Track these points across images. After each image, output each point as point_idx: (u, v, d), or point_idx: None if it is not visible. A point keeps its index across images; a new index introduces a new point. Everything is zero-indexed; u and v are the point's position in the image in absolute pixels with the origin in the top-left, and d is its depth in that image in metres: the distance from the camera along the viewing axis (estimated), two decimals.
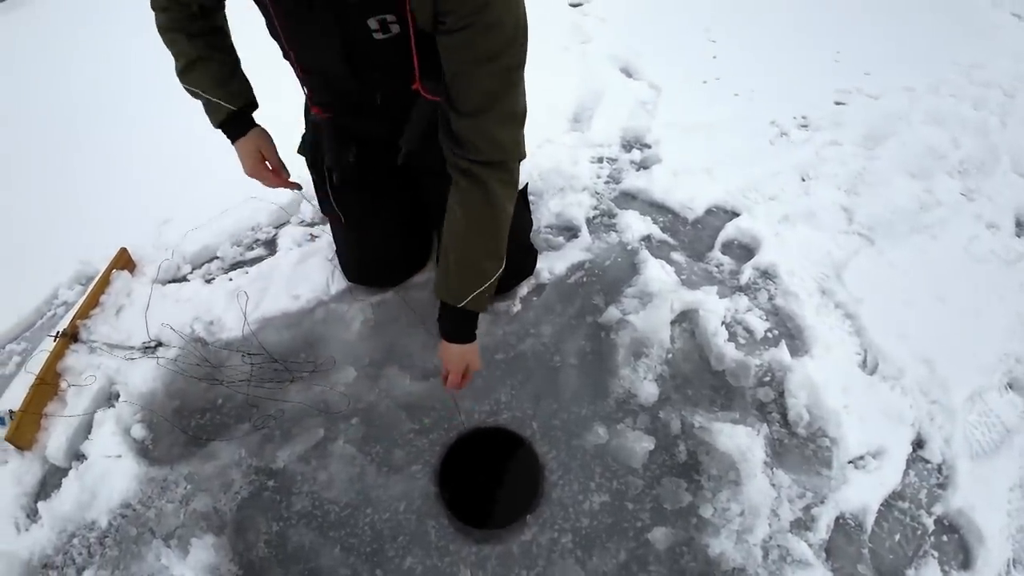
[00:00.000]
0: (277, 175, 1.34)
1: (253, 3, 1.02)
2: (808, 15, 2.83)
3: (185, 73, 1.22)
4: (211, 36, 1.22)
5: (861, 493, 1.28)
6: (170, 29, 1.18)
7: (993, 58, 2.56)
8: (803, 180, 1.95)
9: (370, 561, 1.23)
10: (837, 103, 2.26)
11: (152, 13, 1.18)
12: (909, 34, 2.72)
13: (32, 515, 1.31)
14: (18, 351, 1.59)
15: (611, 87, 2.28)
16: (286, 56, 1.13)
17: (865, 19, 2.81)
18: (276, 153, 1.34)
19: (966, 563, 1.25)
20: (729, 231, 1.79)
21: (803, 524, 1.24)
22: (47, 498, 1.31)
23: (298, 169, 1.42)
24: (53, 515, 1.27)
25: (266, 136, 1.32)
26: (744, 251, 1.76)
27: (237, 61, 1.28)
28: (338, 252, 1.60)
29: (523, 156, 1.08)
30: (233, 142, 1.30)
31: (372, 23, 0.95)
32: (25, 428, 1.37)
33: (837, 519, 1.26)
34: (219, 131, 1.29)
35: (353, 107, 1.22)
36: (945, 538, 1.28)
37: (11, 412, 1.38)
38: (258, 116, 1.32)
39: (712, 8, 2.80)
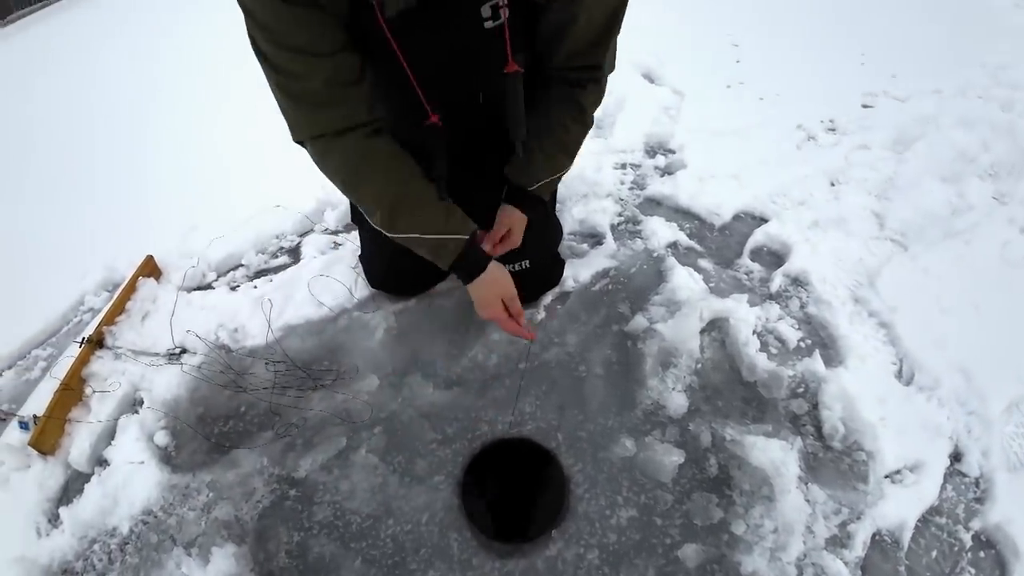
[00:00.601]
0: (520, 317, 1.21)
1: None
2: (831, 18, 2.78)
3: (393, 222, 1.08)
4: (394, 153, 1.06)
5: (898, 508, 1.22)
6: (356, 166, 1.03)
7: (1019, 60, 2.49)
8: (832, 185, 1.90)
9: (391, 574, 1.20)
10: (864, 106, 2.21)
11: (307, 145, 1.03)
12: (933, 36, 2.66)
13: (54, 520, 1.31)
14: (44, 356, 1.61)
15: (633, 93, 2.26)
16: (394, 102, 1.05)
17: (888, 21, 2.76)
18: (513, 287, 1.19)
19: None
20: (758, 237, 1.74)
21: (838, 541, 1.19)
22: (69, 503, 1.31)
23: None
24: (75, 520, 1.27)
25: (504, 273, 1.18)
26: (774, 258, 1.71)
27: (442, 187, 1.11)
28: (365, 259, 1.58)
29: (613, 69, 1.17)
30: (472, 280, 1.14)
31: (486, 10, 0.95)
32: (49, 433, 1.38)
33: (874, 536, 1.20)
34: (455, 272, 1.15)
35: (457, 109, 1.13)
36: (982, 554, 1.22)
37: (35, 417, 1.39)
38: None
39: (734, 13, 2.76)
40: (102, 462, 1.37)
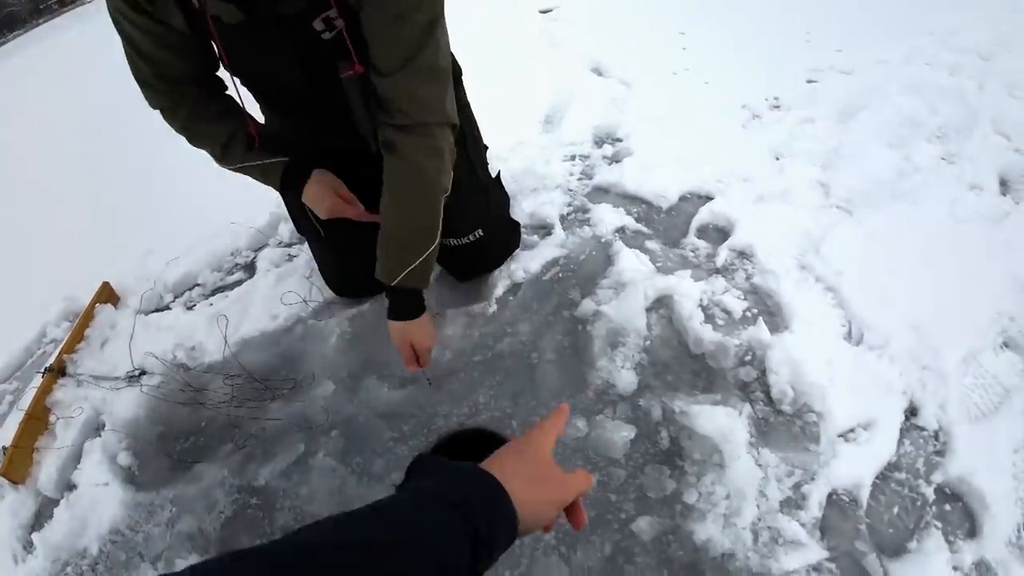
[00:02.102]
0: (355, 204, 1.27)
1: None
2: (776, 3, 2.83)
3: (225, 156, 1.19)
4: (228, 109, 1.19)
5: (853, 467, 1.22)
6: (192, 121, 1.16)
7: (969, 24, 2.53)
8: (776, 159, 1.92)
9: None
10: (809, 81, 2.24)
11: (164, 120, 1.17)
12: (882, 9, 2.70)
13: (28, 547, 1.33)
14: (10, 391, 1.63)
15: (582, 87, 2.29)
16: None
17: (837, 4, 2.80)
18: (343, 185, 1.27)
19: (972, 531, 1.18)
20: (703, 215, 1.76)
21: (793, 503, 1.19)
22: (40, 529, 1.33)
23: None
24: (46, 544, 1.30)
25: (328, 172, 1.26)
26: (719, 234, 1.73)
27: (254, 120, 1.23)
28: (319, 267, 1.61)
29: (451, 120, 1.09)
30: (302, 191, 1.24)
31: (318, 24, 0.98)
32: (18, 462, 1.41)
33: (829, 496, 1.20)
34: (284, 190, 1.26)
35: (307, 126, 1.23)
36: (948, 507, 1.21)
37: (3, 448, 1.41)
38: None
39: (679, 3, 2.81)
40: (70, 486, 1.39)
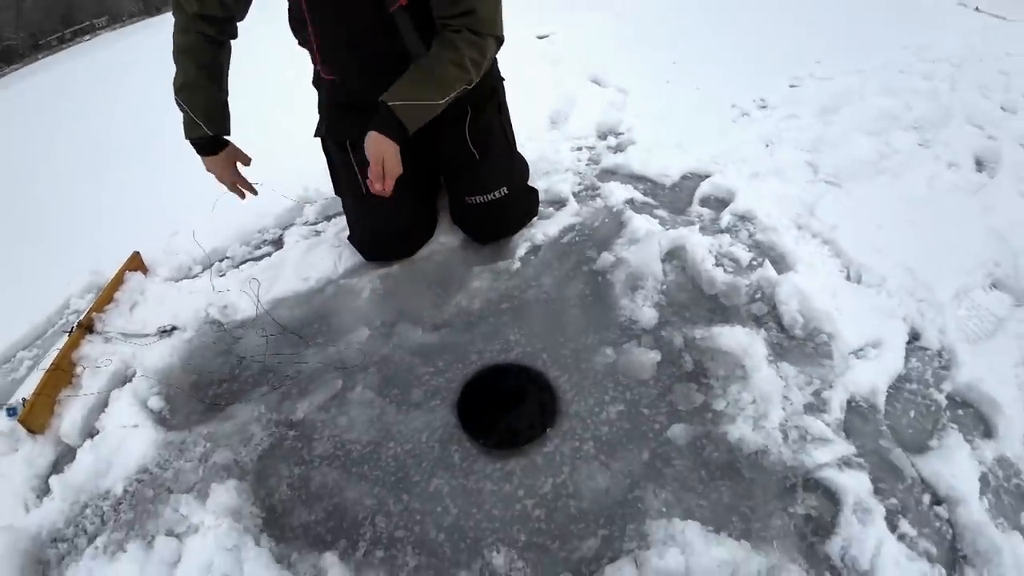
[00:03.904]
0: (243, 182, 1.64)
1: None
2: (758, 20, 3.25)
3: (181, 90, 1.48)
4: (215, 70, 1.50)
5: (867, 376, 1.36)
6: (185, 52, 1.45)
7: (940, 39, 2.92)
8: (767, 146, 2.18)
9: (395, 488, 1.27)
10: (792, 86, 2.56)
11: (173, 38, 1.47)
12: (858, 27, 3.12)
13: (42, 494, 1.33)
14: (29, 357, 1.68)
15: (583, 94, 2.59)
16: (302, 39, 1.41)
17: (817, 20, 3.23)
18: (245, 159, 1.64)
19: (988, 432, 1.29)
20: (705, 188, 1.99)
21: (816, 407, 1.32)
22: (60, 473, 1.34)
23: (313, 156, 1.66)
24: (65, 487, 1.30)
25: (238, 149, 1.62)
26: (720, 203, 1.95)
27: (226, 97, 1.56)
28: (352, 228, 1.76)
29: (499, 33, 1.37)
30: (203, 155, 1.58)
31: None
32: (39, 411, 1.43)
33: (848, 402, 1.33)
34: (191, 145, 1.56)
35: (364, 66, 1.43)
36: (960, 412, 1.33)
37: (23, 400, 1.44)
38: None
39: (668, 22, 3.21)
40: (94, 434, 1.41)
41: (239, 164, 1.64)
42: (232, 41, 1.53)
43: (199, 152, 1.58)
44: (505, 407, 1.44)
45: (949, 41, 2.91)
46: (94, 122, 3.16)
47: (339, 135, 1.59)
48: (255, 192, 1.68)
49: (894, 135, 2.24)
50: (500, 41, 1.41)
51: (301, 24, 1.43)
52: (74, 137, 3.00)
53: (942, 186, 1.99)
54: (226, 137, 1.58)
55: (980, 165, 2.12)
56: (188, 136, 1.53)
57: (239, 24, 1.51)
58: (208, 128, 1.50)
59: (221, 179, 1.61)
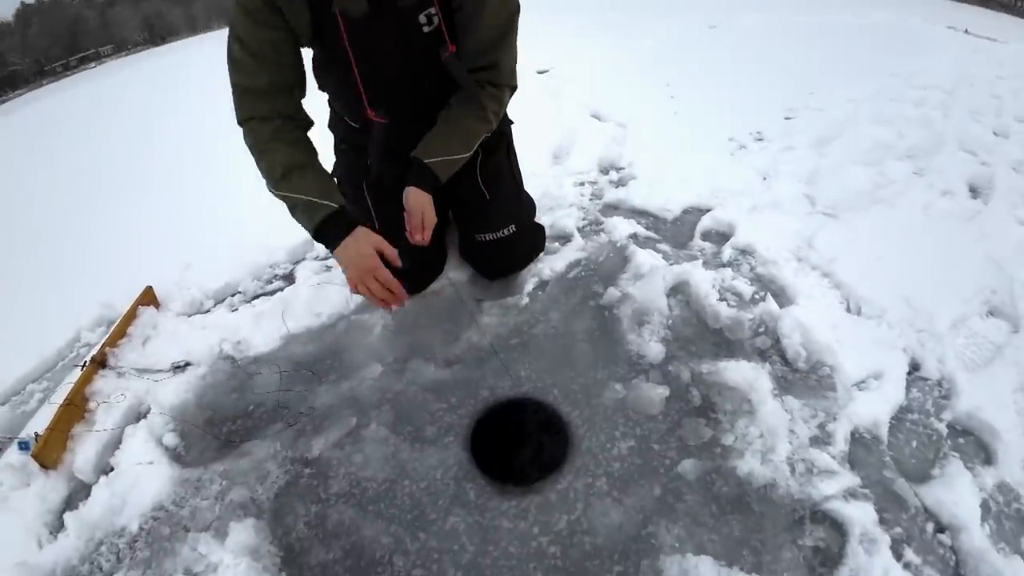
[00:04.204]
0: (395, 283, 1.33)
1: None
2: (752, 55, 3.39)
3: (285, 180, 1.31)
4: (306, 141, 1.39)
5: (870, 408, 1.41)
6: (269, 140, 1.32)
7: (930, 64, 3.04)
8: (764, 179, 2.26)
9: (412, 526, 1.30)
10: (787, 118, 2.66)
11: (240, 128, 1.36)
12: (849, 56, 3.25)
13: (55, 531, 1.34)
14: (40, 390, 1.70)
15: (584, 129, 2.68)
16: (340, 88, 1.48)
17: (809, 51, 3.35)
18: (385, 243, 1.32)
19: (988, 459, 1.34)
20: (706, 222, 2.05)
21: (821, 440, 1.36)
22: (74, 509, 1.35)
23: None
24: (80, 523, 1.31)
25: (369, 235, 1.31)
26: (722, 236, 2.01)
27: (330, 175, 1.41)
28: None
29: (515, 84, 1.47)
30: (337, 243, 1.30)
31: (422, 18, 1.32)
32: (52, 446, 1.44)
33: (852, 433, 1.37)
34: (319, 235, 1.32)
35: (412, 108, 1.49)
36: (961, 440, 1.38)
37: (36, 435, 1.45)
38: None
39: (665, 61, 3.32)
40: (108, 470, 1.43)
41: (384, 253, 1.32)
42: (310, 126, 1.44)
43: (331, 243, 1.31)
44: (518, 443, 1.47)
45: (940, 67, 3.03)
46: (100, 150, 3.23)
47: (364, 178, 1.64)
48: (405, 298, 1.37)
49: (888, 164, 2.32)
50: (515, 90, 1.50)
51: (345, 73, 1.39)
52: (79, 165, 3.08)
53: (937, 214, 2.07)
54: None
55: (974, 192, 2.20)
56: (312, 225, 1.30)
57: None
58: (332, 200, 1.31)
59: (366, 270, 1.29)
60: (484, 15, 1.33)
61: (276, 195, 1.35)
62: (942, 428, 1.40)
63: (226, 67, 1.34)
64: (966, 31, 3.51)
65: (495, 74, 1.42)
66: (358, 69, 1.38)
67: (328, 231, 1.31)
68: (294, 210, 1.33)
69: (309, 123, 1.44)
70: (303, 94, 1.42)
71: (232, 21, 1.30)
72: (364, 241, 1.30)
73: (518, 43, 1.43)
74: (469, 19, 1.35)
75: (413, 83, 1.46)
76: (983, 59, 3.19)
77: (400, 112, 1.49)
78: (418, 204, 1.42)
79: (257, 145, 1.34)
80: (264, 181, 1.35)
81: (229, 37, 1.32)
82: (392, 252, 1.33)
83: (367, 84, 1.42)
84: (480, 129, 1.46)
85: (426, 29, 1.34)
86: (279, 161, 1.32)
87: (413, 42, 1.36)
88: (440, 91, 1.46)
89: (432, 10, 1.32)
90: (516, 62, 1.46)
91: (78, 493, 1.42)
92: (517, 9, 1.38)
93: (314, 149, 1.41)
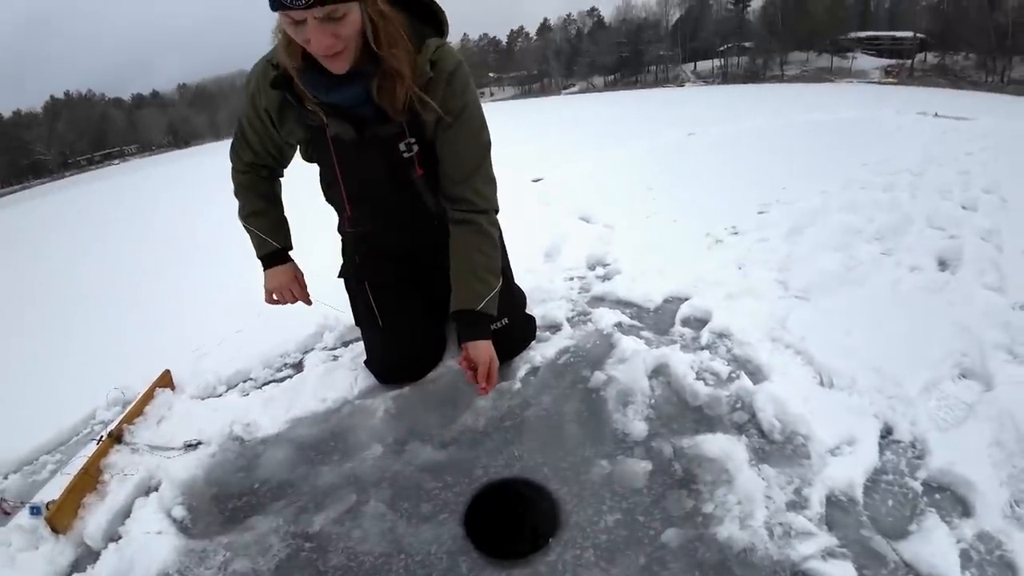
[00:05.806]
0: (301, 293, 1.93)
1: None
2: (728, 156, 3.75)
3: (249, 217, 1.85)
4: (272, 197, 1.89)
5: (844, 472, 1.48)
6: (245, 188, 1.83)
7: (901, 152, 3.35)
8: (739, 268, 2.48)
9: None
10: (760, 212, 2.93)
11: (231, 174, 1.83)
12: (817, 152, 3.58)
13: None
14: (52, 461, 1.82)
15: (573, 230, 2.96)
16: (333, 198, 1.78)
17: (781, 148, 3.71)
18: (304, 281, 1.96)
19: (966, 511, 1.38)
20: (685, 310, 2.24)
21: (797, 504, 1.44)
22: (82, 572, 1.42)
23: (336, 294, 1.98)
24: None
25: (298, 269, 1.95)
26: (700, 322, 2.19)
27: (284, 216, 1.92)
28: (370, 355, 1.99)
29: (497, 208, 1.69)
30: (270, 267, 1.88)
31: (402, 146, 1.58)
32: (65, 511, 1.54)
33: (828, 496, 1.45)
34: (261, 261, 1.88)
35: (388, 219, 1.77)
36: (938, 496, 1.43)
37: (47, 504, 1.54)
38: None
39: (645, 166, 3.69)
40: (116, 538, 1.50)
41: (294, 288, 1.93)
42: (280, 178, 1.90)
43: (267, 265, 1.87)
44: (510, 519, 1.56)
45: (908, 153, 3.33)
46: (120, 241, 3.55)
47: (365, 276, 1.90)
48: (309, 302, 1.96)
49: (857, 248, 2.54)
50: (497, 212, 1.73)
51: (335, 187, 1.75)
52: (99, 254, 3.38)
53: (906, 288, 2.24)
54: (290, 252, 1.91)
55: (943, 264, 2.38)
56: (259, 253, 1.86)
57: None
58: (276, 241, 1.85)
59: (282, 287, 1.89)
60: (458, 150, 1.59)
61: (242, 225, 1.84)
62: (917, 486, 1.47)
63: None
64: (935, 114, 3.87)
65: (478, 200, 1.62)
66: (344, 184, 1.68)
67: (266, 260, 1.88)
68: (251, 237, 1.86)
69: (279, 175, 1.87)
70: (280, 173, 1.87)
71: (243, 106, 1.68)
72: (284, 273, 1.89)
73: (494, 172, 1.69)
74: (443, 153, 1.60)
75: (391, 197, 1.72)
76: (952, 138, 3.47)
77: (377, 224, 1.79)
78: (487, 355, 1.63)
79: (235, 187, 1.82)
80: (237, 211, 1.84)
81: (239, 114, 1.74)
82: (302, 293, 1.94)
83: (350, 196, 1.72)
84: (496, 255, 1.68)
85: (406, 155, 1.61)
86: (246, 206, 1.83)
87: (393, 164, 1.63)
88: (414, 207, 1.73)
89: (410, 139, 1.60)
90: (495, 189, 1.68)
91: (86, 558, 1.49)
92: (488, 144, 1.62)
93: (275, 197, 1.88)
